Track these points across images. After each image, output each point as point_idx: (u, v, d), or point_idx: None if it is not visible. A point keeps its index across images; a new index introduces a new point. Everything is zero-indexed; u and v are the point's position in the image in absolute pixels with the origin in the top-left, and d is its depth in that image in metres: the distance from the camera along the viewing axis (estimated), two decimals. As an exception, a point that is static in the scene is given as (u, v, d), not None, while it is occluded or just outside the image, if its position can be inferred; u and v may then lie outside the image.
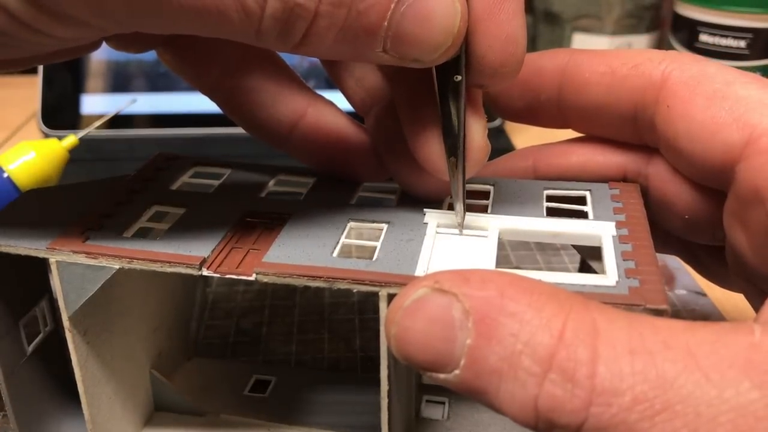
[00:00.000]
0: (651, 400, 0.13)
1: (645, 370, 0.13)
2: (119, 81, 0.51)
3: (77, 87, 0.50)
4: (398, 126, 0.21)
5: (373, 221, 0.22)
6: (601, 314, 0.14)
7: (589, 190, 0.23)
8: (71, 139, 0.37)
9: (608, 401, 0.13)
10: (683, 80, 0.21)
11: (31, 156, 0.35)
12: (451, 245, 0.21)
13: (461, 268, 0.16)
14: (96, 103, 0.50)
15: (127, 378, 0.25)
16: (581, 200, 0.23)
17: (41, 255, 0.20)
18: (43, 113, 0.50)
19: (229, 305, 0.34)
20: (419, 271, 0.19)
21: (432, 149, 0.20)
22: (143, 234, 0.22)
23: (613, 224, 0.21)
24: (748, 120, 0.19)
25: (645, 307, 0.17)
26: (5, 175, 0.34)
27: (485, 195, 0.23)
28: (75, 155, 0.38)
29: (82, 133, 0.38)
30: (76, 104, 0.50)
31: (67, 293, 0.21)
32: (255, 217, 0.22)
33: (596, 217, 0.22)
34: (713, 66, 0.21)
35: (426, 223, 0.21)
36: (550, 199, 0.23)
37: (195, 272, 0.20)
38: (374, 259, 0.20)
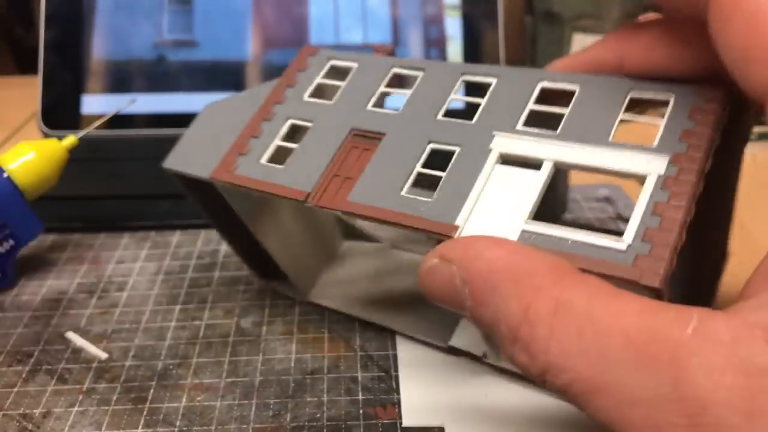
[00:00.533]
0: (590, 379, 0.15)
1: (588, 350, 0.15)
2: (119, 81, 0.50)
3: (77, 87, 0.50)
4: None
5: (447, 143, 0.24)
6: (568, 291, 0.16)
7: (673, 95, 0.22)
8: (71, 139, 0.37)
9: (557, 375, 0.16)
10: None
11: (31, 156, 0.35)
12: (504, 180, 0.22)
13: (497, 212, 0.21)
14: (96, 104, 0.50)
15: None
16: (662, 105, 0.22)
17: (208, 180, 0.27)
18: (43, 113, 0.50)
19: (229, 304, 0.34)
20: (460, 219, 0.21)
21: None
22: (278, 156, 0.26)
23: (666, 159, 0.20)
24: None
25: (639, 284, 0.18)
26: (5, 175, 0.34)
27: (568, 97, 0.23)
28: (75, 155, 0.38)
29: (81, 133, 0.38)
30: (76, 104, 0.50)
31: (234, 201, 0.29)
32: (359, 134, 0.25)
33: (661, 142, 0.21)
34: None
35: (491, 150, 0.23)
36: (630, 105, 0.22)
37: (303, 203, 0.24)
38: (433, 198, 0.22)
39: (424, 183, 0.23)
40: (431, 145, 0.24)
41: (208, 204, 0.31)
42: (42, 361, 0.30)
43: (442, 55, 0.51)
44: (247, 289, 0.35)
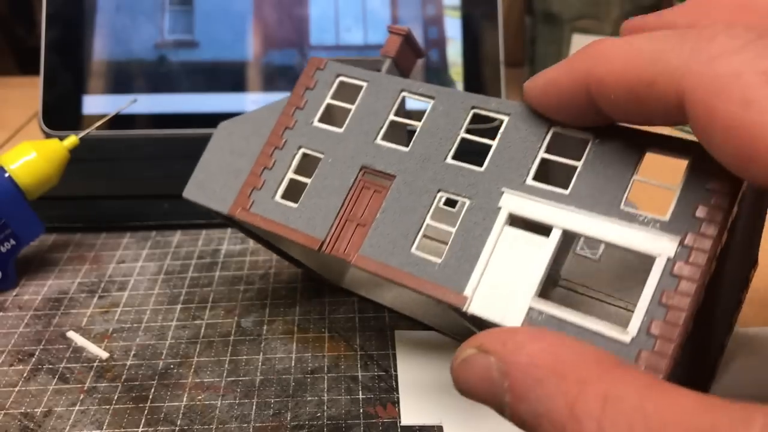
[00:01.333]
0: None
1: None
2: (120, 81, 0.51)
3: (78, 87, 0.50)
4: None
5: (457, 194, 0.23)
6: (616, 385, 0.15)
7: (691, 156, 0.20)
8: (72, 139, 0.37)
9: None
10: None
11: (32, 156, 0.35)
12: (513, 246, 0.21)
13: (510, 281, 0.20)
14: (97, 104, 0.50)
15: None
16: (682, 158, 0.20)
17: (227, 214, 0.27)
18: (44, 113, 0.50)
19: (230, 304, 0.34)
20: (469, 288, 0.21)
21: None
22: (292, 191, 0.27)
23: (677, 241, 0.19)
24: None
25: None
26: (6, 175, 0.34)
27: (581, 149, 0.22)
28: (76, 155, 0.38)
29: (82, 134, 0.38)
30: (77, 105, 0.50)
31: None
32: (369, 173, 0.25)
33: (673, 216, 0.19)
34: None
35: (500, 208, 0.22)
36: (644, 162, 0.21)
37: (318, 252, 0.25)
38: (441, 261, 0.22)
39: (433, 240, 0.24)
40: (440, 194, 0.24)
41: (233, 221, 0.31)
42: (43, 360, 0.31)
43: (442, 55, 0.51)
44: (247, 289, 0.35)
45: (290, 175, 0.27)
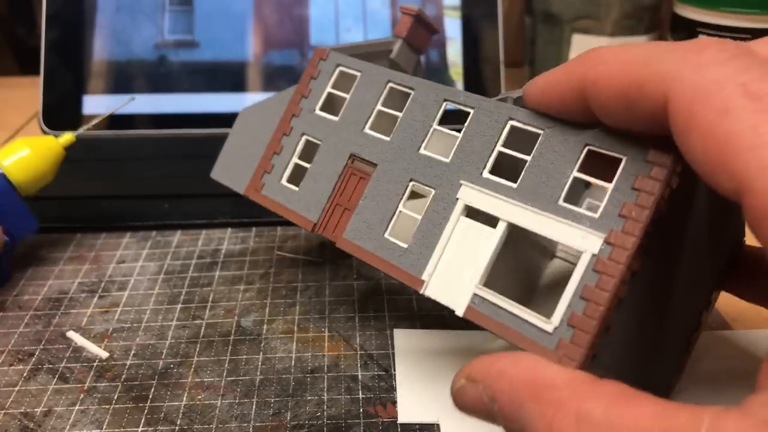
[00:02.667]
0: None
1: None
2: (120, 81, 0.51)
3: (78, 87, 0.50)
4: None
5: (425, 183, 0.25)
6: (585, 402, 0.17)
7: (626, 156, 0.20)
8: (67, 136, 0.37)
9: None
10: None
11: (26, 152, 0.35)
12: (465, 236, 0.23)
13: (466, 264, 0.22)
14: (97, 104, 0.50)
15: None
16: (613, 166, 0.20)
17: (242, 194, 0.31)
18: (44, 113, 0.50)
19: (230, 303, 0.34)
20: (426, 273, 0.23)
21: None
22: (296, 175, 0.29)
23: (602, 239, 0.20)
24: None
25: None
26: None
27: (532, 142, 0.22)
28: (75, 155, 0.38)
29: (79, 130, 0.38)
30: (77, 104, 0.50)
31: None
32: (357, 161, 0.27)
33: (603, 214, 0.20)
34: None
35: (458, 199, 0.23)
36: (588, 157, 0.21)
37: (312, 232, 0.28)
38: (408, 244, 0.24)
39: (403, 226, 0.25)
40: (412, 183, 0.25)
41: None
42: (43, 360, 0.31)
43: (442, 55, 0.51)
44: (247, 289, 0.35)
45: (295, 159, 0.29)
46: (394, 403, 0.27)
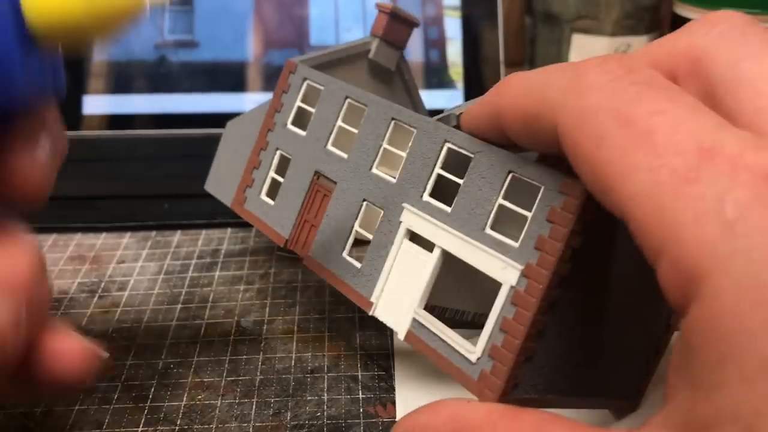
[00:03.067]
0: None
1: None
2: (120, 81, 0.51)
3: (78, 87, 0.50)
4: None
5: (375, 204, 0.25)
6: None
7: (543, 185, 0.20)
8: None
9: None
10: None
11: None
12: (407, 260, 0.23)
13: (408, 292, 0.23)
14: (97, 104, 0.50)
15: None
16: (531, 199, 0.20)
17: (230, 207, 0.31)
18: (44, 113, 0.50)
19: (230, 303, 0.34)
20: (374, 296, 0.24)
21: None
22: (272, 189, 0.29)
23: (519, 271, 0.19)
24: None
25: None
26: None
27: (466, 166, 0.22)
28: (75, 155, 0.38)
29: None
30: (77, 105, 0.50)
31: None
32: (321, 177, 0.27)
33: (521, 245, 0.20)
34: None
35: (401, 222, 0.24)
36: (511, 185, 0.21)
37: (283, 248, 0.28)
38: (361, 266, 0.24)
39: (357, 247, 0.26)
40: (365, 203, 0.25)
41: None
42: (43, 360, 0.31)
43: (442, 56, 0.51)
44: (247, 289, 0.35)
45: (272, 174, 0.29)
46: (394, 403, 0.27)
